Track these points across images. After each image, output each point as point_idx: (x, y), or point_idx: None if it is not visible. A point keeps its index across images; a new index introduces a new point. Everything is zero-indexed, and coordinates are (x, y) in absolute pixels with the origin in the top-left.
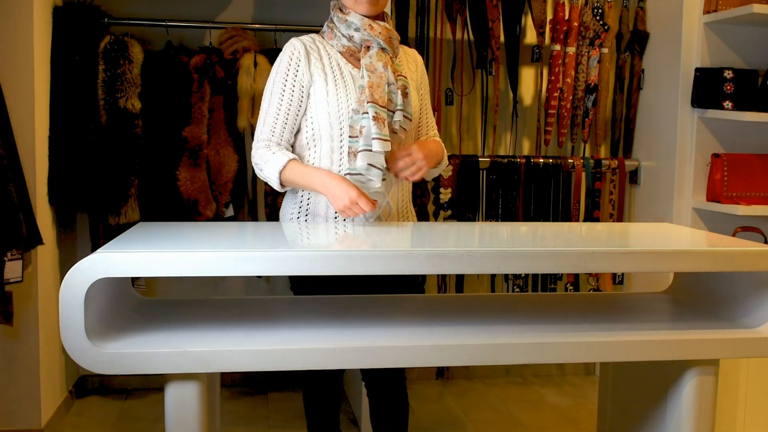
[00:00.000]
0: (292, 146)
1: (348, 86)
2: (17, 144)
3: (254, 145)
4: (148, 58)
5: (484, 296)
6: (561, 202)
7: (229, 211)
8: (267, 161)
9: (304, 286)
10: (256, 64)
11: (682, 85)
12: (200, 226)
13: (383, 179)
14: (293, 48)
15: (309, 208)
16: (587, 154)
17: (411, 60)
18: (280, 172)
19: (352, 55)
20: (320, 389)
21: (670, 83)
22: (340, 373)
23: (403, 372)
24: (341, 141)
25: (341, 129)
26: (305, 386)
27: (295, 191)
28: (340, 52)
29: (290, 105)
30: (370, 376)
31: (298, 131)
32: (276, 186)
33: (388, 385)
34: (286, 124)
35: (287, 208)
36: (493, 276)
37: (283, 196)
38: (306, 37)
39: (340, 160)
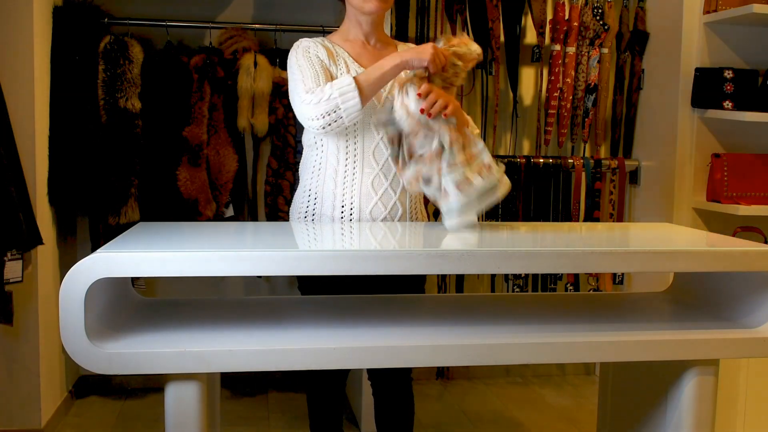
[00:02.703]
0: (301, 143)
1: None
2: (17, 144)
3: (303, 97)
4: (148, 58)
5: (484, 296)
6: (561, 202)
7: (229, 211)
8: (332, 84)
9: (311, 285)
10: (256, 64)
11: (682, 85)
12: (200, 226)
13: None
14: (307, 42)
15: (315, 209)
16: (587, 154)
17: None
18: (354, 78)
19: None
20: (324, 390)
21: (670, 83)
22: (344, 373)
23: (409, 372)
24: (347, 140)
25: (346, 128)
26: (309, 387)
27: (303, 191)
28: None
29: (325, 71)
30: (376, 375)
31: (306, 130)
32: (354, 97)
33: (394, 385)
34: (327, 76)
35: (295, 208)
36: (493, 276)
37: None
38: (315, 39)
39: (346, 159)
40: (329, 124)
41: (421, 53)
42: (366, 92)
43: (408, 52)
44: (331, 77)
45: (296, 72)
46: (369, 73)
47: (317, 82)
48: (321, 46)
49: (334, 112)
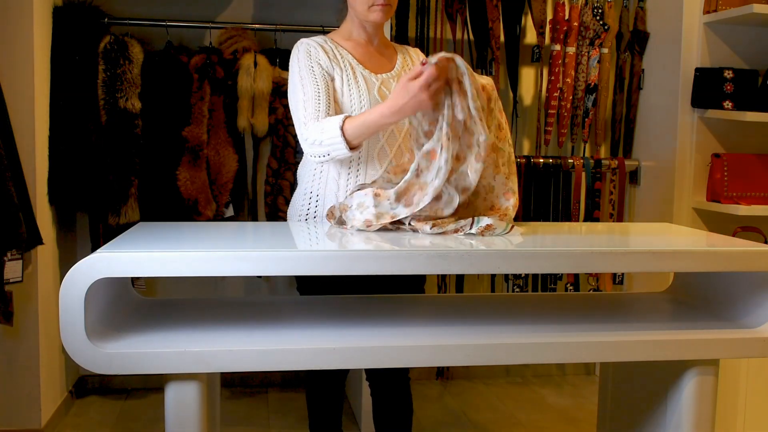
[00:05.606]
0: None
1: (361, 88)
2: (17, 144)
3: (302, 131)
4: (148, 58)
5: (484, 296)
6: (561, 202)
7: (229, 211)
8: (323, 129)
9: (309, 285)
10: (256, 64)
11: (682, 85)
12: (200, 226)
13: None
14: (308, 44)
15: (317, 210)
16: (587, 154)
17: (414, 59)
18: (341, 126)
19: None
20: (323, 389)
21: (670, 83)
22: (343, 373)
23: (406, 372)
24: None
25: None
26: (309, 386)
27: (303, 192)
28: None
29: (327, 85)
30: (374, 376)
31: None
32: (342, 146)
33: (392, 386)
34: (329, 102)
35: (295, 209)
36: (493, 276)
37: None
38: (316, 38)
39: (350, 161)
40: (326, 162)
41: (420, 103)
42: (354, 143)
43: (401, 101)
44: (333, 89)
45: (297, 86)
46: (361, 125)
47: (317, 107)
48: (321, 48)
49: (328, 154)
